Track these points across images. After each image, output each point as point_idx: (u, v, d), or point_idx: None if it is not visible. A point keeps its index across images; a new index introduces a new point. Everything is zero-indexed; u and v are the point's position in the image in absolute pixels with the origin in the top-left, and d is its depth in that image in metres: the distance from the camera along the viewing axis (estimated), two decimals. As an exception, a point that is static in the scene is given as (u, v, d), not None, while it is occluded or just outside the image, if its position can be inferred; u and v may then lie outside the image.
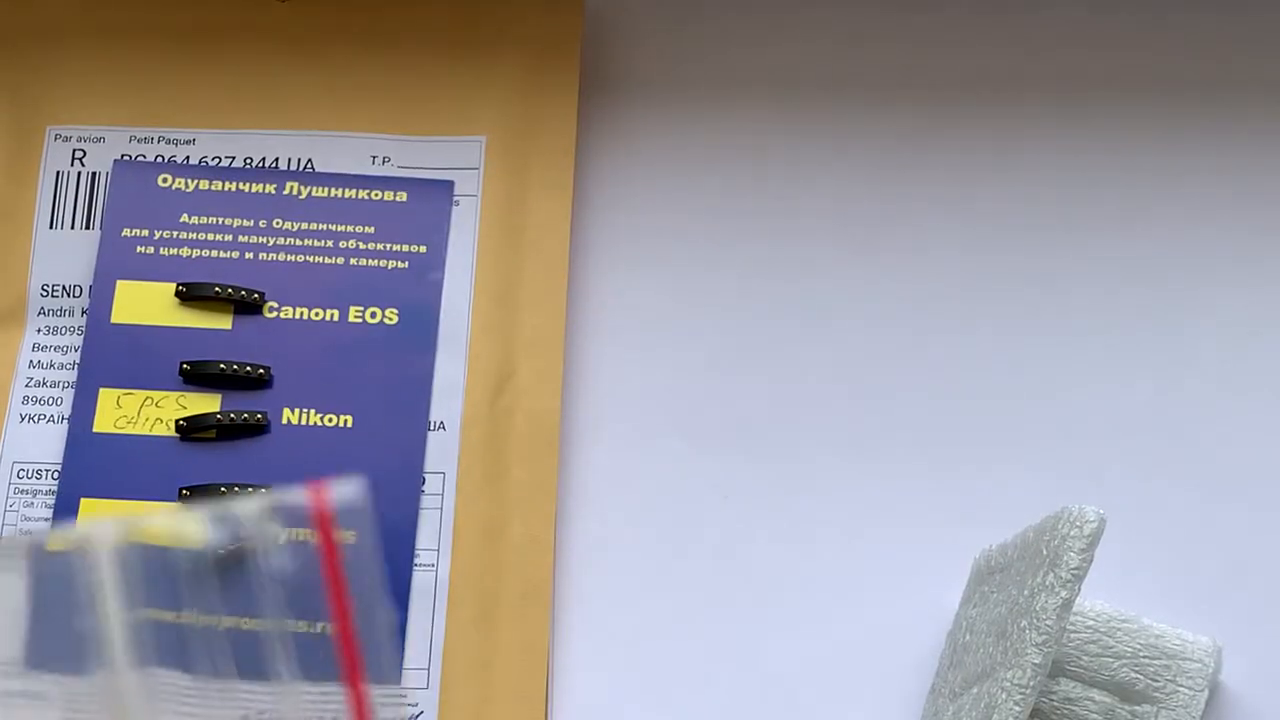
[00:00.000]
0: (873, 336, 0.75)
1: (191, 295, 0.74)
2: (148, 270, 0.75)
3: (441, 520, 0.71)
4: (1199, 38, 0.80)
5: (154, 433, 0.72)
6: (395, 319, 0.75)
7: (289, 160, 0.77)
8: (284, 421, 0.73)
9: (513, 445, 0.73)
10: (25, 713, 0.33)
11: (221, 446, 0.72)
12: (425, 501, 0.72)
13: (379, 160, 0.77)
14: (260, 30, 0.79)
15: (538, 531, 0.72)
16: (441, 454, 0.73)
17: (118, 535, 0.35)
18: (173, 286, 0.75)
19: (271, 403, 0.73)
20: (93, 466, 0.71)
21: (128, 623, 0.34)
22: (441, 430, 0.73)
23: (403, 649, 0.68)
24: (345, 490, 0.38)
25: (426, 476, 0.72)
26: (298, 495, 0.38)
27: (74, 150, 0.77)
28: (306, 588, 0.37)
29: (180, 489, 0.71)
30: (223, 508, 0.36)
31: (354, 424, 0.73)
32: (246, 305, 0.74)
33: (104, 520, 0.36)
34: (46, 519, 0.71)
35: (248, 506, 0.35)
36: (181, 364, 0.73)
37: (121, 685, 0.33)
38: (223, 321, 0.74)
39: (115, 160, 0.77)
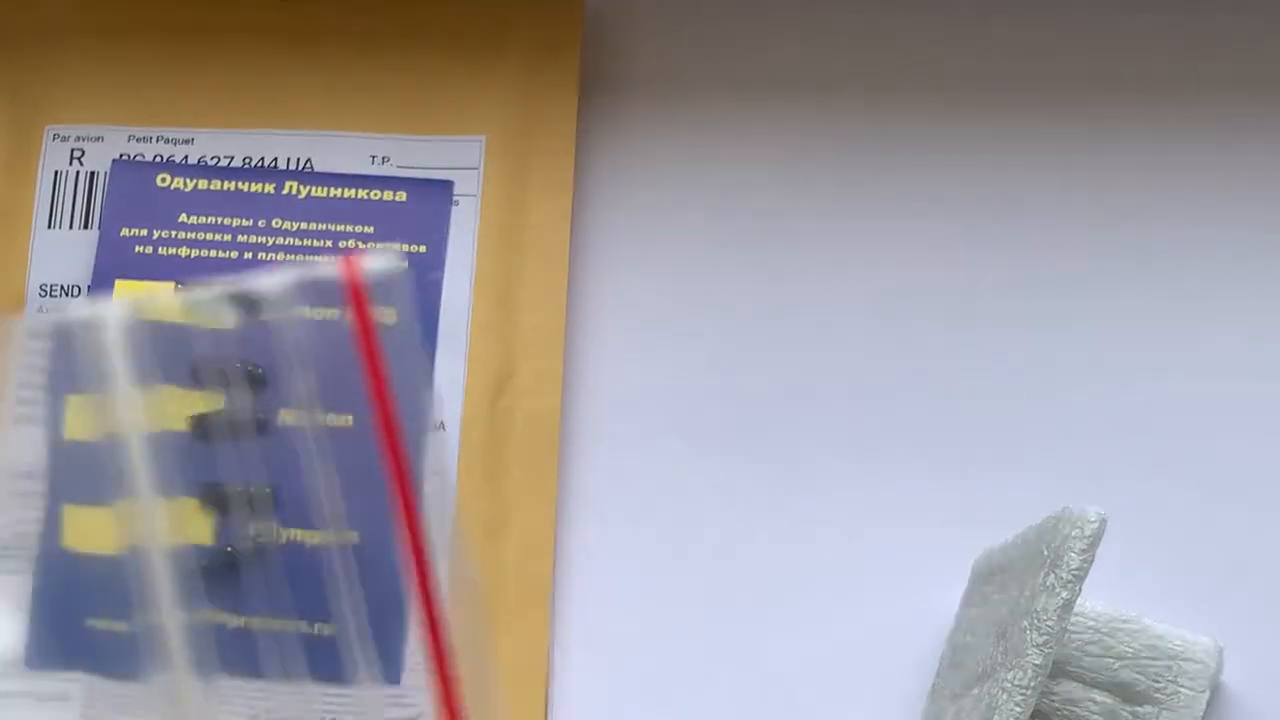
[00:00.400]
0: (873, 337, 0.75)
1: (190, 295, 0.74)
2: (146, 270, 0.75)
3: (441, 520, 0.71)
4: (1211, 37, 0.79)
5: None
6: (394, 319, 0.74)
7: (288, 160, 0.77)
8: (280, 422, 0.72)
9: (513, 445, 0.73)
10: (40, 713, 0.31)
11: (219, 446, 0.72)
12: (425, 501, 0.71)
13: (378, 160, 0.77)
14: (259, 30, 0.79)
15: (538, 531, 0.72)
16: (441, 454, 0.72)
17: (129, 312, 0.32)
18: (171, 286, 0.75)
19: (269, 403, 0.73)
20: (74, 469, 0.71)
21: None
22: (441, 430, 0.73)
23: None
24: (381, 261, 0.33)
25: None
26: (327, 267, 0.34)
27: (72, 149, 0.77)
28: (339, 373, 0.33)
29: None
30: (244, 285, 0.32)
31: (353, 423, 0.73)
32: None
33: (115, 300, 0.33)
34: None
35: (271, 281, 0.32)
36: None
37: (180, 689, 0.31)
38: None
39: (114, 160, 0.77)
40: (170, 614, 0.33)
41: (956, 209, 0.77)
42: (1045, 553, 0.65)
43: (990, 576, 0.69)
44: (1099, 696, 0.68)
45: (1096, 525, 0.64)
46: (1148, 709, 0.68)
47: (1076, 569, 0.64)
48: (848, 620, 0.72)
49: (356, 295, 0.31)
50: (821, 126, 0.79)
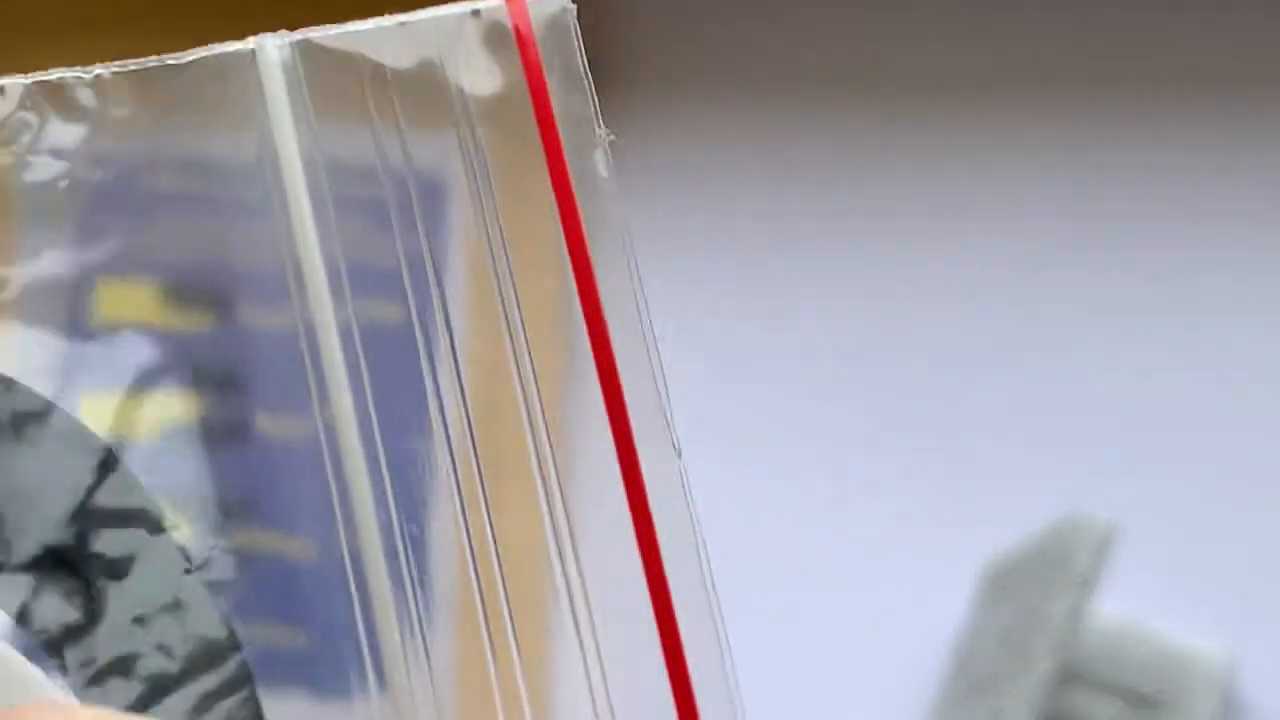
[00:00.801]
0: (876, 338, 0.75)
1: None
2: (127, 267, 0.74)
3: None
4: (1224, 36, 0.79)
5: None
6: (392, 318, 0.73)
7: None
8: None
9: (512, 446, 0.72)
10: None
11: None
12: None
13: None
14: (248, 23, 0.78)
15: (538, 533, 0.71)
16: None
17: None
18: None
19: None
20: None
21: None
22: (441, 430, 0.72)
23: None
24: (549, 4, 0.31)
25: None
26: (491, 3, 0.31)
27: None
28: (512, 118, 0.31)
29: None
30: (405, 20, 0.30)
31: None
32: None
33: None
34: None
35: (434, 16, 0.30)
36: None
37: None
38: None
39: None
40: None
41: (962, 208, 0.77)
42: (1055, 558, 0.65)
43: (1000, 581, 0.69)
44: (1108, 701, 0.67)
45: (1107, 531, 0.64)
46: (1157, 714, 0.68)
47: (1087, 574, 0.63)
48: (858, 624, 0.71)
49: (524, 40, 0.29)
50: (823, 124, 0.78)
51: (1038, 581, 0.65)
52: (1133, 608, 0.69)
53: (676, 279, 0.75)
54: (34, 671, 0.26)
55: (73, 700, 0.27)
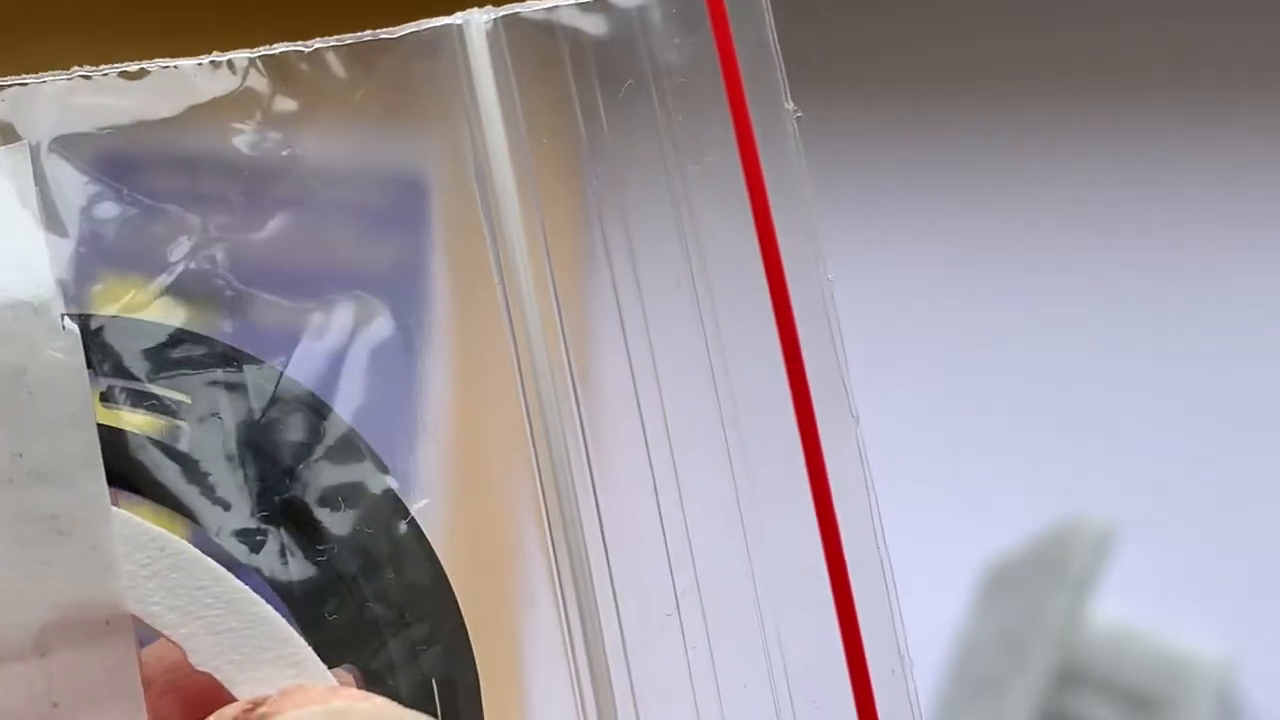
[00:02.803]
0: (879, 339, 0.74)
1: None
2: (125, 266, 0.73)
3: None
4: (1229, 36, 0.79)
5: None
6: (389, 317, 0.73)
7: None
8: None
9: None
10: None
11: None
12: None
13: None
14: (242, 22, 0.78)
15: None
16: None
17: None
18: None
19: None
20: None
21: None
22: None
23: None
24: None
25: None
26: None
27: None
28: (704, 92, 0.31)
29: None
30: None
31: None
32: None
33: None
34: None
35: None
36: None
37: None
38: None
39: (101, 159, 0.75)
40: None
41: (961, 207, 0.77)
42: (1055, 560, 0.65)
43: (1000, 582, 0.69)
44: (1107, 703, 0.67)
45: (1107, 533, 0.64)
46: (1155, 715, 0.68)
47: (1086, 576, 0.64)
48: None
49: (715, 8, 0.30)
50: (822, 123, 0.78)
51: (1037, 582, 0.65)
52: (1132, 609, 0.69)
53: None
54: (293, 634, 0.27)
55: (314, 659, 0.27)
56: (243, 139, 0.29)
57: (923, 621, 0.70)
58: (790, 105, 0.30)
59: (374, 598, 0.28)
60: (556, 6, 0.30)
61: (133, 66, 0.29)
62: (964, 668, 0.68)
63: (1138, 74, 0.78)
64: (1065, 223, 0.77)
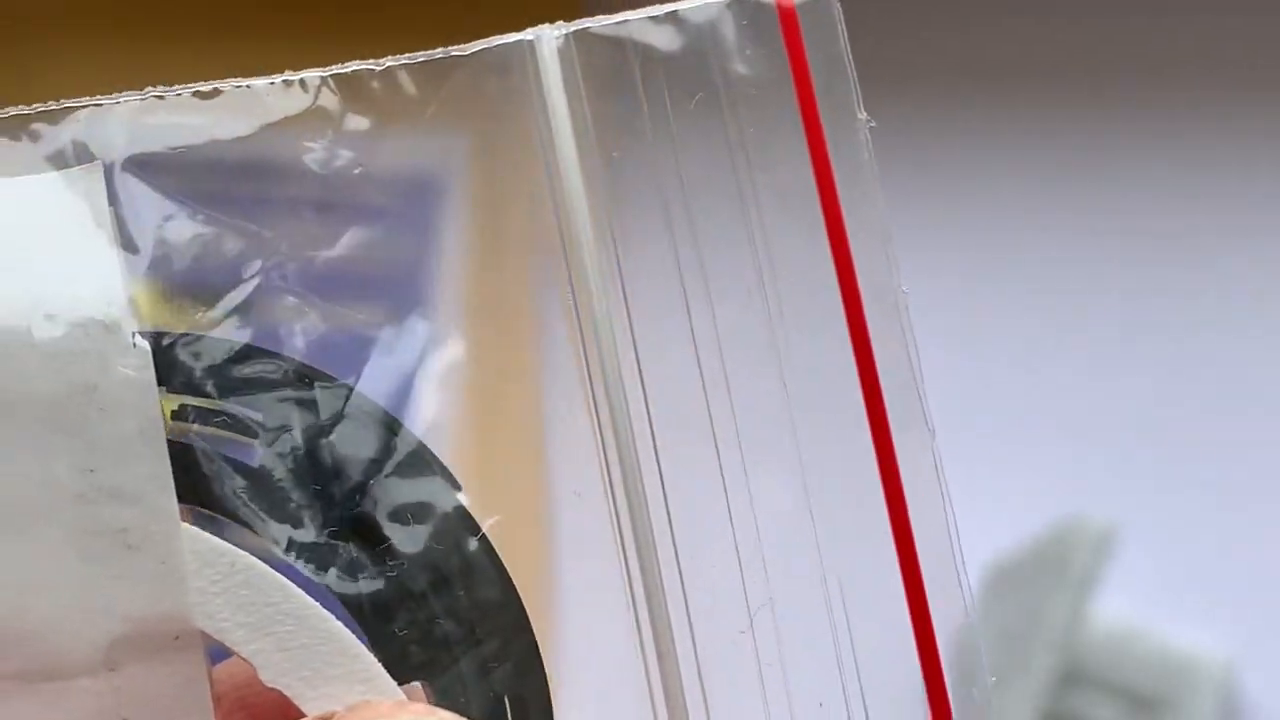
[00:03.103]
0: (877, 336, 0.73)
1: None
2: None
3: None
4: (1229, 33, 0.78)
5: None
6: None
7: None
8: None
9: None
10: None
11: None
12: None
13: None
14: (242, 23, 0.78)
15: (535, 534, 0.71)
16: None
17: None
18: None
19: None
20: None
21: None
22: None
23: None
24: None
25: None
26: None
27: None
28: (775, 103, 0.31)
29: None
30: (674, 8, 0.32)
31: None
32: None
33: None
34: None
35: (704, 3, 0.31)
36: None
37: None
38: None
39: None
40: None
41: (961, 206, 0.76)
42: (1055, 558, 0.65)
43: (1000, 581, 0.69)
44: (1108, 703, 0.67)
45: (1107, 533, 0.64)
46: (1157, 715, 0.68)
47: (1087, 576, 0.64)
48: (856, 624, 0.71)
49: (788, 20, 0.30)
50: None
51: (1038, 582, 0.65)
52: (1133, 609, 0.69)
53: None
54: (363, 650, 0.27)
55: (384, 675, 0.27)
56: (314, 156, 0.29)
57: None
58: (864, 116, 0.30)
59: (444, 614, 0.28)
60: (626, 20, 0.30)
61: (205, 86, 0.29)
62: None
63: (1178, 73, 0.77)
64: (1065, 224, 0.76)
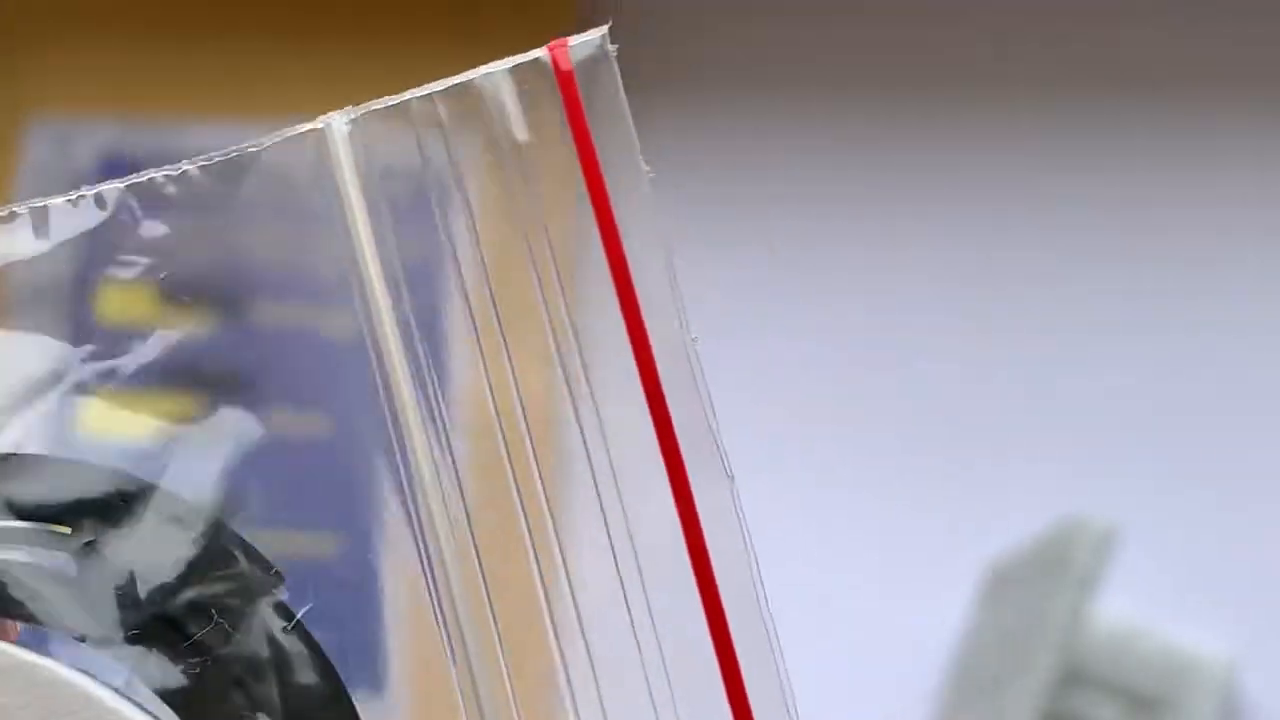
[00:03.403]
0: (882, 341, 0.74)
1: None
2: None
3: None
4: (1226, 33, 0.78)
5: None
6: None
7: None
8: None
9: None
10: None
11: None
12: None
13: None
14: (252, 21, 0.78)
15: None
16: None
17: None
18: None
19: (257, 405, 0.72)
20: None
21: None
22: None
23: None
24: (586, 45, 0.32)
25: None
26: (534, 55, 0.32)
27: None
28: (556, 162, 0.32)
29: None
30: (457, 80, 0.32)
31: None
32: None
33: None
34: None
35: (486, 74, 0.32)
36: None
37: None
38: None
39: (100, 159, 0.75)
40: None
41: (961, 206, 0.76)
42: (1057, 560, 0.65)
43: (1002, 582, 0.69)
44: (1110, 703, 0.68)
45: (1108, 533, 0.64)
46: (1158, 715, 0.68)
47: (1088, 576, 0.64)
48: (860, 624, 0.71)
49: (566, 82, 0.31)
50: (827, 123, 0.77)
51: (1039, 582, 0.65)
52: (1134, 609, 0.69)
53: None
54: None
55: None
56: (117, 269, 0.30)
57: (925, 622, 0.70)
58: (646, 168, 0.31)
59: (257, 705, 0.28)
60: (411, 99, 0.31)
61: (3, 210, 0.30)
62: (966, 668, 0.68)
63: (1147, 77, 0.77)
64: (1065, 225, 0.76)
